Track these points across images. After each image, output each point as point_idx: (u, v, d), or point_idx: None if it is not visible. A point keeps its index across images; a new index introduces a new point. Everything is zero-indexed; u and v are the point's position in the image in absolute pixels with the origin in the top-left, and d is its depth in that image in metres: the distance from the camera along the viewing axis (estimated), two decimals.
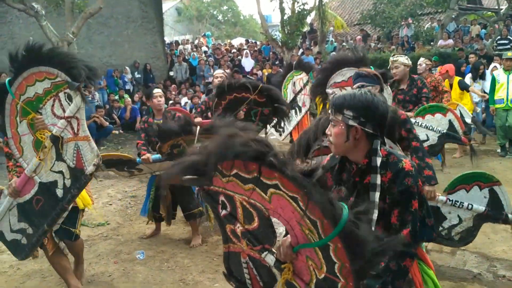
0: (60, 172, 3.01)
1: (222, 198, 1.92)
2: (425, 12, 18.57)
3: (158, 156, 4.19)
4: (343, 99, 1.93)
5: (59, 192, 3.01)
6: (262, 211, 1.78)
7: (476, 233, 3.54)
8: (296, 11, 15.57)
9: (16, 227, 3.20)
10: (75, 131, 2.95)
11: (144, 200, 4.91)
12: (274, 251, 1.83)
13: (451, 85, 8.06)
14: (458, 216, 3.50)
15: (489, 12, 17.44)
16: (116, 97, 13.05)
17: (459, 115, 5.35)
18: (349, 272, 1.57)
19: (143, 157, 4.24)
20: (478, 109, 9.60)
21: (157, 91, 4.62)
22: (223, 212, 1.95)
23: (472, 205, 3.40)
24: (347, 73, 4.43)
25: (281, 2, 15.61)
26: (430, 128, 4.68)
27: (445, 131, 4.66)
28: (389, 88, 4.54)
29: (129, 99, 12.83)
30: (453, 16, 16.59)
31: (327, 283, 1.67)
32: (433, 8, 17.62)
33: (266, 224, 1.82)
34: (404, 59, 5.02)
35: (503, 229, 4.52)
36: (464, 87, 8.18)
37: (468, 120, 6.33)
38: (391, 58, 5.14)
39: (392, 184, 1.89)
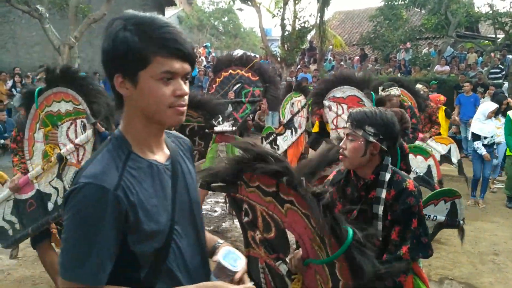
0: (56, 189, 3.12)
1: (245, 206, 2.06)
2: (423, 37, 18.86)
3: None
4: (364, 115, 2.04)
5: (50, 205, 3.12)
6: (279, 223, 1.90)
7: (432, 238, 3.80)
8: (297, 28, 15.77)
9: (7, 217, 3.31)
10: (79, 160, 3.07)
11: None
12: (287, 261, 1.95)
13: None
14: None
15: (486, 41, 17.76)
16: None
17: (449, 153, 5.58)
18: None
19: None
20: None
21: None
22: (246, 219, 2.09)
23: (436, 216, 3.64)
24: (348, 91, 4.53)
25: (282, 19, 15.80)
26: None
27: (421, 174, 4.74)
28: None
29: None
30: (451, 42, 16.88)
31: None
32: (432, 33, 17.91)
33: (282, 235, 1.93)
34: (395, 91, 5.08)
35: (491, 260, 4.61)
36: (448, 115, 8.46)
37: (455, 160, 6.48)
38: (381, 92, 5.02)
39: (395, 202, 2.00)
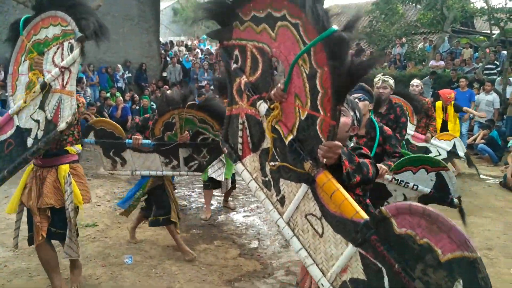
0: (37, 121, 2.96)
1: (236, 52, 2.36)
2: (418, 32, 18.89)
3: (148, 141, 4.19)
4: (355, 102, 2.42)
5: (30, 141, 2.96)
6: (267, 54, 2.15)
7: None
8: None
9: None
10: (64, 84, 2.88)
11: (127, 193, 4.74)
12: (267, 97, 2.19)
13: (443, 108, 8.28)
14: (403, 194, 3.62)
15: (481, 37, 17.82)
16: (108, 95, 13.02)
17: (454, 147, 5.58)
18: (329, 101, 1.81)
19: (134, 136, 4.16)
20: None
21: None
22: (234, 66, 2.37)
23: (417, 186, 3.51)
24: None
25: None
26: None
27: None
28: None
29: (121, 97, 12.80)
30: (446, 38, 16.93)
31: (308, 121, 1.94)
32: (427, 28, 17.93)
33: (267, 71, 2.19)
34: (392, 82, 5.01)
35: (484, 255, 4.65)
36: (458, 109, 8.42)
37: (461, 154, 6.51)
38: (380, 76, 4.94)
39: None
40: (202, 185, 5.88)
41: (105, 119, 4.48)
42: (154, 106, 12.91)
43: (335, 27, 1.72)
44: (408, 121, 5.22)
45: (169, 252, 4.54)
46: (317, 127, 1.89)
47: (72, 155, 3.49)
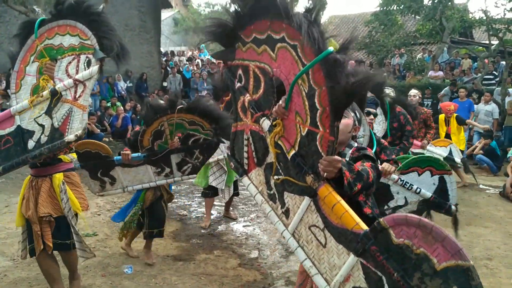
0: (42, 126, 2.92)
1: (239, 72, 2.47)
2: (417, 42, 18.99)
3: (137, 154, 4.12)
4: (355, 104, 2.47)
5: (31, 143, 2.92)
6: (269, 74, 2.26)
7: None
8: None
9: None
10: (76, 96, 2.84)
11: (122, 207, 4.70)
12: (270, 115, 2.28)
13: (446, 120, 8.31)
14: (405, 198, 3.58)
15: (480, 47, 17.91)
16: (108, 104, 13.05)
17: (451, 153, 5.57)
18: (327, 118, 1.90)
19: (124, 152, 4.09)
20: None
21: None
22: (238, 85, 2.48)
23: (420, 189, 3.47)
24: None
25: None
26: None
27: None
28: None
29: (122, 107, 12.83)
30: (445, 48, 17.01)
31: (308, 137, 2.03)
32: (426, 39, 18.04)
33: (269, 89, 2.29)
34: (390, 92, 5.09)
35: (484, 265, 4.64)
36: (461, 121, 8.44)
37: (458, 160, 6.52)
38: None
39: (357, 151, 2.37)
40: (202, 194, 5.87)
41: (89, 140, 4.27)
42: None
43: (331, 48, 1.83)
44: None
45: (169, 262, 4.53)
46: (317, 143, 1.98)
47: (67, 163, 3.50)
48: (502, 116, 11.56)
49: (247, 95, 2.43)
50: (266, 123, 2.30)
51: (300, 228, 2.12)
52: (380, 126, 4.91)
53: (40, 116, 2.94)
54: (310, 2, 1.96)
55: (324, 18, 20.68)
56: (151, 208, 4.38)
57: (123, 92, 14.80)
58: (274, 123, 2.22)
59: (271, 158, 2.27)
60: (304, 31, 1.88)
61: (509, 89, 12.22)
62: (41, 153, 2.89)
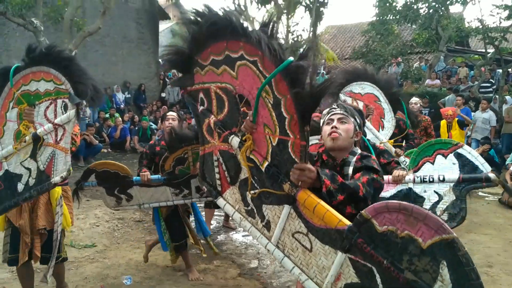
0: (29, 169, 3.00)
1: (201, 95, 2.49)
2: (414, 51, 19.12)
3: (157, 176, 4.04)
4: (353, 109, 2.45)
5: (20, 187, 3.01)
6: (231, 92, 2.28)
7: (464, 206, 3.21)
8: (290, 43, 15.94)
9: None
10: (57, 140, 2.93)
11: (158, 236, 4.51)
12: (238, 131, 2.29)
13: (448, 126, 8.35)
14: (435, 192, 3.29)
15: (477, 56, 18.02)
16: (107, 115, 13.07)
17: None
18: (296, 124, 1.92)
19: (142, 173, 4.02)
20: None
21: (171, 114, 4.45)
22: (201, 108, 2.50)
23: (443, 176, 3.19)
24: (367, 88, 4.57)
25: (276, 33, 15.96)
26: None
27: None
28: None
29: (120, 118, 12.84)
30: (442, 57, 17.12)
31: (280, 146, 2.04)
32: (423, 48, 18.16)
33: (233, 107, 2.31)
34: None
35: (484, 272, 4.63)
36: (463, 124, 8.49)
37: None
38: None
39: (360, 161, 2.32)
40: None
41: (108, 161, 4.23)
42: (154, 127, 12.96)
43: (291, 58, 1.88)
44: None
45: (168, 272, 4.51)
46: (289, 150, 2.00)
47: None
48: (499, 123, 11.60)
49: (212, 116, 2.44)
50: (235, 140, 2.30)
51: (284, 237, 2.11)
52: (389, 123, 4.97)
53: (25, 160, 3.04)
54: (266, 16, 2.01)
55: (321, 28, 20.79)
56: (168, 223, 4.34)
57: (121, 104, 14.84)
58: (243, 138, 2.23)
59: (244, 174, 2.28)
60: (264, 44, 1.92)
61: (506, 97, 12.28)
62: (31, 195, 3.00)
